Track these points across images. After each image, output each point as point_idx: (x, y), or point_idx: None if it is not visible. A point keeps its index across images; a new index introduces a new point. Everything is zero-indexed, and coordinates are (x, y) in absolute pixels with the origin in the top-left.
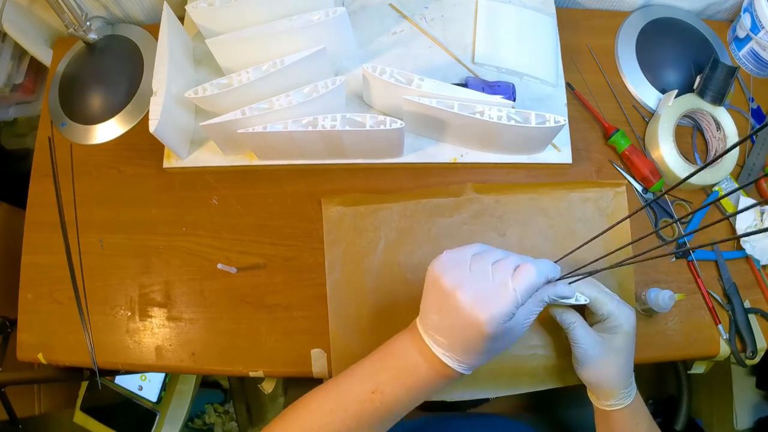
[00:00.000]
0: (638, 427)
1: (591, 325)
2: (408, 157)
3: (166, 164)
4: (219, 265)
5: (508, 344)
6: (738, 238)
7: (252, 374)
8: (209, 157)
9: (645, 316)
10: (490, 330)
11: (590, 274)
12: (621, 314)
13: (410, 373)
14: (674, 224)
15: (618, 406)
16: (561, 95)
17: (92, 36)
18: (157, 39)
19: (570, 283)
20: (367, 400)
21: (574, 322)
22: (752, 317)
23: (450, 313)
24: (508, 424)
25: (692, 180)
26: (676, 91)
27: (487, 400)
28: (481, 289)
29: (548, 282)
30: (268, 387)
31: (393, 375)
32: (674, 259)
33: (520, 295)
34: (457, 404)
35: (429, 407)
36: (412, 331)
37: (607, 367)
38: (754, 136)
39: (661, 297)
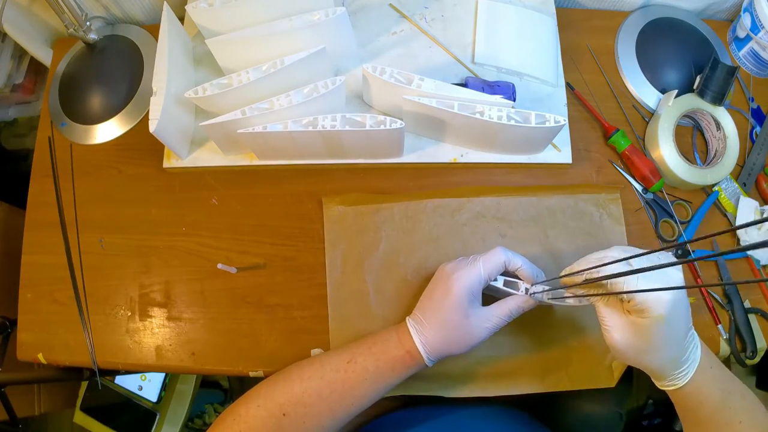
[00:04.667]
0: (701, 407)
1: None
2: (408, 157)
3: (166, 164)
4: (219, 265)
5: (473, 338)
6: (743, 249)
7: (252, 374)
8: (209, 157)
9: None
10: (458, 289)
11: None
12: (647, 296)
13: (381, 343)
14: (674, 224)
15: (669, 387)
16: (561, 95)
17: (92, 36)
18: (157, 39)
19: (555, 297)
20: (342, 369)
21: (597, 300)
22: (752, 317)
23: (434, 286)
24: (512, 414)
25: (692, 180)
26: (676, 91)
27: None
28: (460, 265)
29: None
30: None
31: (368, 346)
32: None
33: (483, 265)
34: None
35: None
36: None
37: (639, 351)
38: (754, 136)
39: None
